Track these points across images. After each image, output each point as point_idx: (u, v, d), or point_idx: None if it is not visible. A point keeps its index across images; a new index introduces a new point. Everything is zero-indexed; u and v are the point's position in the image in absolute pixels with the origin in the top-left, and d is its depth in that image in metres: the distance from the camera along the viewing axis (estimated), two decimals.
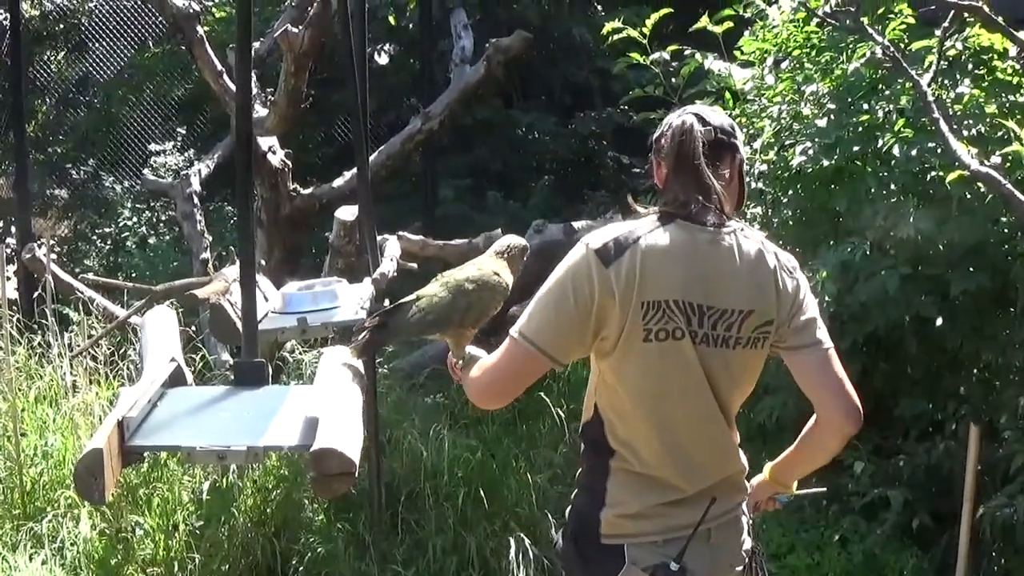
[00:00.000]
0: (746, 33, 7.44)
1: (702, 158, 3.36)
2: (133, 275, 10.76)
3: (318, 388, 3.43)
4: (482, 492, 6.74)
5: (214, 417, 3.38)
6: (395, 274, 5.71)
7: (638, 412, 3.38)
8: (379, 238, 6.28)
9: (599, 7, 13.95)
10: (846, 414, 3.44)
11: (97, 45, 13.08)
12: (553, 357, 3.35)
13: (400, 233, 7.33)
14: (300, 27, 8.46)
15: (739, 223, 3.43)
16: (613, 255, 3.26)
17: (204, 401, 3.54)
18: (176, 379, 3.70)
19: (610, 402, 3.44)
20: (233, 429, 3.25)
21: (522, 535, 6.49)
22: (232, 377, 3.71)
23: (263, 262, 8.13)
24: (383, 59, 13.00)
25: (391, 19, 13.18)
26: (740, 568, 3.61)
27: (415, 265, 6.46)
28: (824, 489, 4.76)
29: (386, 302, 5.22)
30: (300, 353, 7.65)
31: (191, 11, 8.87)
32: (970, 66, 6.58)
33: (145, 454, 3.46)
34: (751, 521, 3.71)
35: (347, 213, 7.28)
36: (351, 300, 4.62)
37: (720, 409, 3.40)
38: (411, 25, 13.28)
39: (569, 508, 3.63)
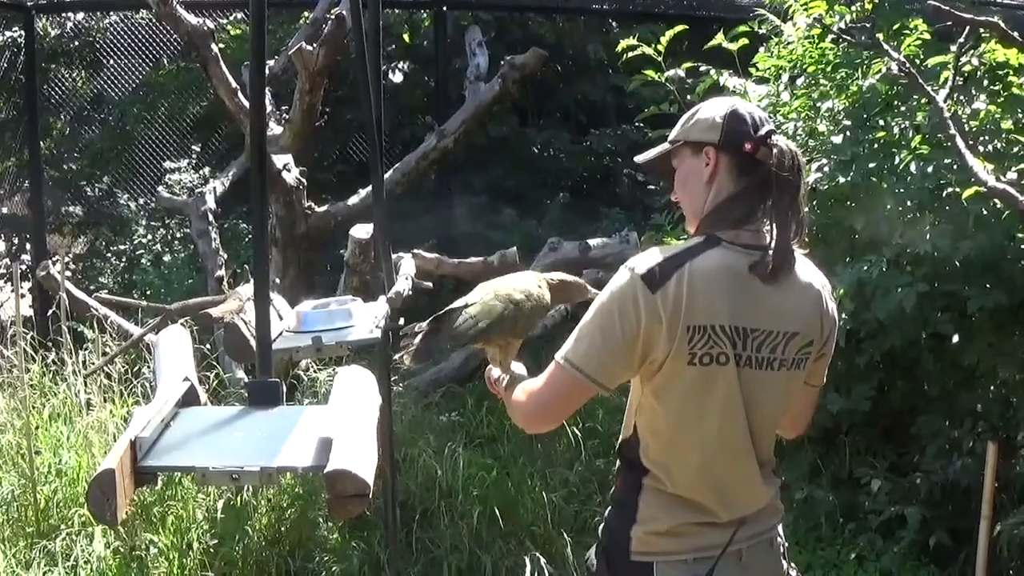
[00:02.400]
0: (761, 50, 7.43)
1: (799, 205, 3.39)
2: (148, 292, 10.76)
3: (332, 408, 3.40)
4: (497, 511, 6.74)
5: (227, 437, 3.36)
6: (410, 292, 5.70)
7: (676, 435, 3.38)
8: (394, 256, 6.27)
9: (614, 25, 13.95)
10: (804, 431, 3.87)
11: (112, 63, 13.08)
12: (600, 383, 3.34)
13: (415, 251, 7.32)
14: (315, 45, 8.47)
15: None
16: (659, 280, 3.24)
17: (218, 421, 3.52)
18: (189, 399, 3.68)
19: (648, 423, 3.43)
20: (247, 450, 3.22)
21: (538, 554, 6.49)
22: (246, 397, 3.69)
23: (278, 280, 8.14)
24: (398, 77, 12.99)
25: (406, 37, 13.17)
26: None
27: (430, 284, 6.45)
28: None
29: (400, 321, 5.22)
30: (315, 372, 7.64)
31: (206, 29, 8.88)
32: (986, 82, 6.56)
33: (158, 475, 3.43)
34: (786, 544, 3.69)
35: (362, 231, 7.28)
36: (366, 319, 4.60)
37: (753, 437, 3.39)
38: (426, 43, 13.26)
39: (602, 525, 3.63)
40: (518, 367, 3.78)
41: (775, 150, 3.33)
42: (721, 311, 3.24)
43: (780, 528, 3.61)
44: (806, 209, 3.45)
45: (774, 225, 3.33)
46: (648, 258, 3.31)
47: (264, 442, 3.26)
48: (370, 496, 2.88)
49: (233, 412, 3.59)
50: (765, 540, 3.51)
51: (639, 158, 3.76)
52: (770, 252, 3.30)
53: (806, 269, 3.39)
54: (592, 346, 3.33)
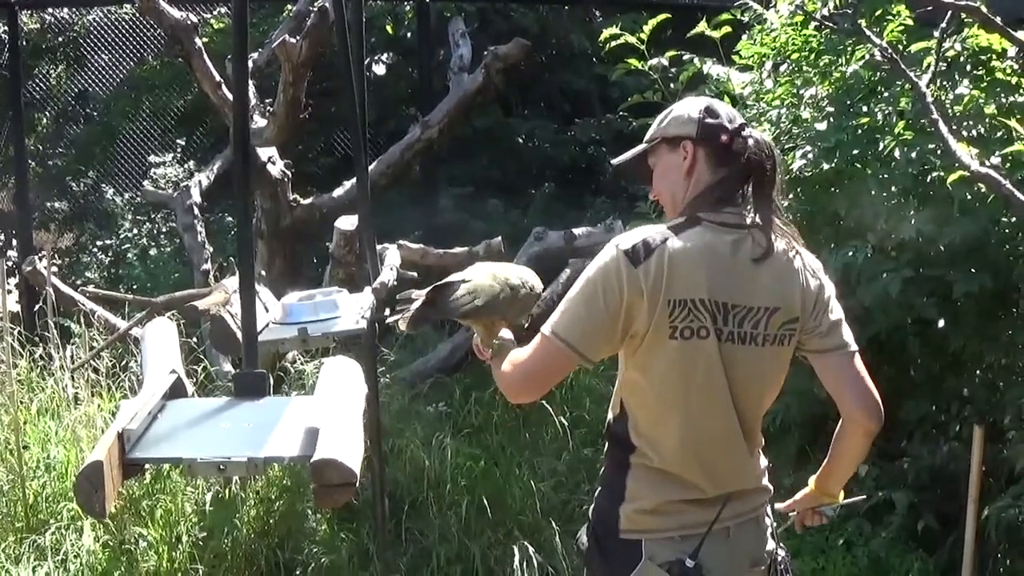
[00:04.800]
0: (744, 37, 7.43)
1: (770, 173, 3.56)
2: (134, 287, 10.75)
3: (319, 398, 3.42)
4: (486, 500, 6.75)
5: (214, 429, 3.37)
6: (395, 283, 5.70)
7: (661, 408, 3.48)
8: (379, 247, 6.27)
9: (597, 14, 13.94)
10: (869, 413, 3.62)
11: (96, 58, 13.07)
12: (583, 354, 3.49)
13: (400, 242, 7.31)
14: (298, 37, 8.45)
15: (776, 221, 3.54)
16: (642, 256, 3.39)
17: (205, 413, 3.53)
18: (177, 391, 3.69)
19: (635, 398, 3.55)
20: (234, 440, 3.24)
21: (526, 543, 6.50)
22: (233, 389, 3.70)
23: (263, 272, 8.13)
24: (381, 68, 12.98)
25: (389, 28, 13.16)
26: (763, 568, 3.67)
27: (415, 274, 6.45)
28: (865, 497, 4.82)
29: (386, 312, 5.22)
30: (301, 364, 7.64)
31: (189, 23, 8.86)
32: (969, 67, 6.57)
33: (146, 466, 3.44)
34: (775, 523, 3.78)
35: (347, 223, 7.28)
36: (352, 310, 4.61)
37: (738, 414, 3.48)
38: (409, 34, 13.25)
39: (592, 506, 3.71)
40: (506, 333, 3.86)
41: (750, 140, 3.52)
42: (700, 285, 3.36)
43: (769, 509, 3.70)
44: (780, 196, 3.63)
45: (756, 207, 3.51)
46: (633, 235, 3.44)
47: (251, 433, 3.28)
48: (356, 485, 2.90)
49: (220, 403, 3.61)
50: (752, 519, 3.59)
51: (616, 160, 3.92)
52: (759, 230, 3.46)
53: (785, 246, 3.50)
54: (576, 318, 3.47)
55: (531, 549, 6.50)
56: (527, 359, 3.60)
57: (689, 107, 3.62)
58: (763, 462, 3.69)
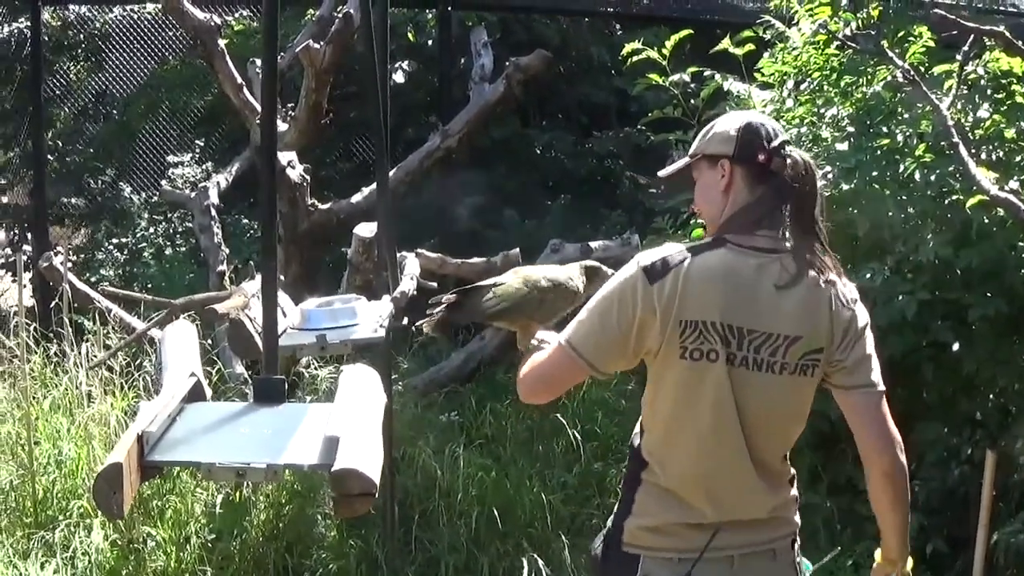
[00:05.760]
0: (766, 55, 7.44)
1: (809, 195, 3.49)
2: (149, 286, 10.74)
3: (338, 406, 3.42)
4: (496, 511, 6.75)
5: (233, 433, 3.37)
6: (415, 292, 5.71)
7: (671, 427, 3.47)
8: (399, 256, 6.28)
9: (618, 28, 13.95)
10: (882, 453, 3.52)
11: (116, 56, 13.08)
12: (594, 366, 3.51)
13: (418, 251, 7.32)
14: (322, 43, 8.47)
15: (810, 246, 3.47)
16: (659, 273, 3.37)
17: (223, 417, 3.53)
18: (196, 394, 3.69)
19: (650, 414, 3.55)
20: (252, 446, 3.24)
21: (535, 555, 6.51)
22: (250, 393, 3.70)
23: (281, 277, 8.12)
24: (401, 76, 12.98)
25: (411, 36, 13.17)
26: None
27: (435, 284, 6.46)
28: None
29: (404, 320, 5.24)
30: (316, 368, 7.65)
31: (211, 24, 8.88)
32: (990, 90, 6.58)
33: (163, 469, 3.45)
34: (799, 561, 3.68)
35: (366, 230, 7.28)
36: (370, 317, 4.61)
37: (749, 441, 3.42)
38: (430, 42, 13.26)
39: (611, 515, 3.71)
40: (545, 334, 3.88)
41: (789, 160, 3.46)
42: (712, 308, 3.34)
43: (793, 544, 3.62)
44: (822, 217, 3.54)
45: (792, 230, 3.44)
46: (655, 252, 3.44)
47: (270, 439, 3.28)
48: (376, 495, 2.90)
49: (239, 408, 3.61)
50: (766, 551, 3.53)
51: (662, 173, 3.86)
52: (790, 255, 3.40)
53: (816, 274, 3.42)
54: (591, 331, 3.48)
55: (540, 561, 6.50)
56: (543, 364, 3.63)
57: (730, 123, 3.58)
58: (789, 494, 3.61)
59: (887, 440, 3.52)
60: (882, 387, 3.53)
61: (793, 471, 3.67)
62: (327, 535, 6.76)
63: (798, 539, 3.65)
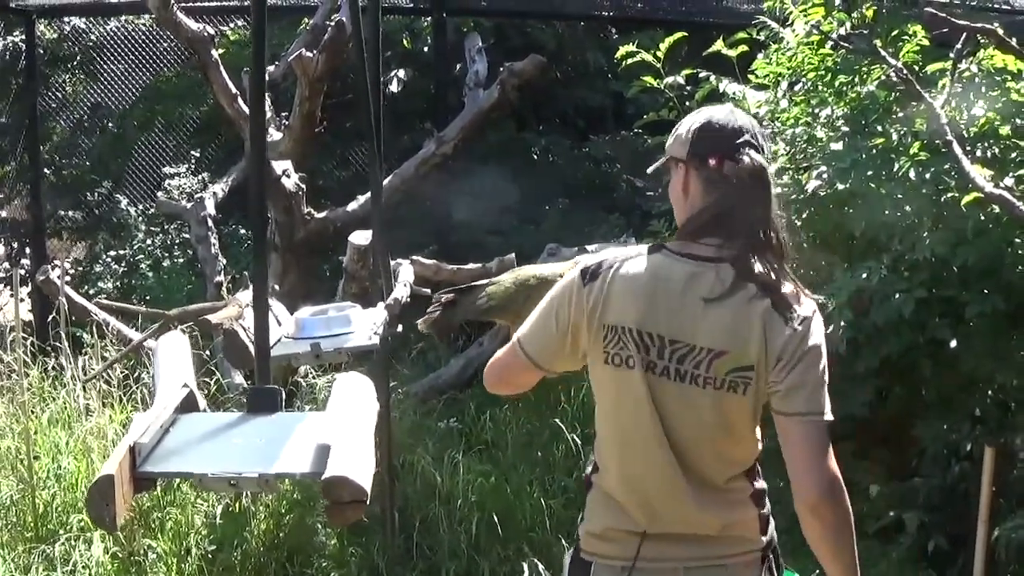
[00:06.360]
0: (760, 56, 7.44)
1: (755, 200, 3.35)
2: (147, 298, 10.77)
3: (331, 414, 3.41)
4: (496, 517, 6.75)
5: (226, 443, 3.37)
6: (408, 299, 5.70)
7: (604, 432, 3.49)
8: (393, 263, 6.28)
9: (613, 31, 13.95)
10: (819, 494, 3.22)
11: (112, 68, 13.11)
12: (539, 365, 3.55)
13: (413, 258, 7.31)
14: (315, 51, 8.47)
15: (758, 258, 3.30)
16: (592, 276, 3.36)
17: (216, 427, 3.52)
18: (188, 405, 3.68)
19: (597, 416, 3.54)
20: (245, 456, 3.24)
21: (536, 560, 6.50)
22: (245, 403, 3.70)
23: (276, 286, 8.14)
24: (397, 84, 12.98)
25: (406, 43, 13.18)
26: None
27: (429, 291, 6.45)
28: None
29: (399, 328, 5.24)
30: (313, 378, 7.65)
31: (206, 35, 8.89)
32: (984, 88, 6.57)
33: (157, 480, 3.44)
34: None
35: (361, 238, 7.28)
36: (365, 325, 4.60)
37: (677, 451, 3.33)
38: (426, 49, 13.27)
39: None
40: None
41: (740, 164, 3.33)
42: (630, 314, 3.29)
43: (764, 561, 3.47)
44: (781, 223, 3.41)
45: (738, 240, 3.30)
46: (595, 256, 3.43)
47: (263, 448, 3.27)
48: (367, 502, 2.89)
49: (232, 418, 3.60)
50: (716, 567, 3.40)
51: (649, 169, 3.76)
52: (728, 266, 3.27)
53: (756, 288, 3.27)
54: (535, 330, 3.53)
55: (540, 566, 6.49)
56: (500, 358, 3.67)
57: (689, 122, 3.47)
58: (749, 513, 3.43)
59: (815, 475, 3.23)
60: (824, 416, 3.26)
61: (758, 488, 3.47)
62: (328, 544, 6.76)
63: (771, 557, 3.49)
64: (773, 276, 3.28)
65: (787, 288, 3.29)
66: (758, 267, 3.28)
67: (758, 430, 3.46)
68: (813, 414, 3.24)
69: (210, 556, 6.61)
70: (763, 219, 3.34)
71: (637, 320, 3.28)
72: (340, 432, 3.17)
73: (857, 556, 3.36)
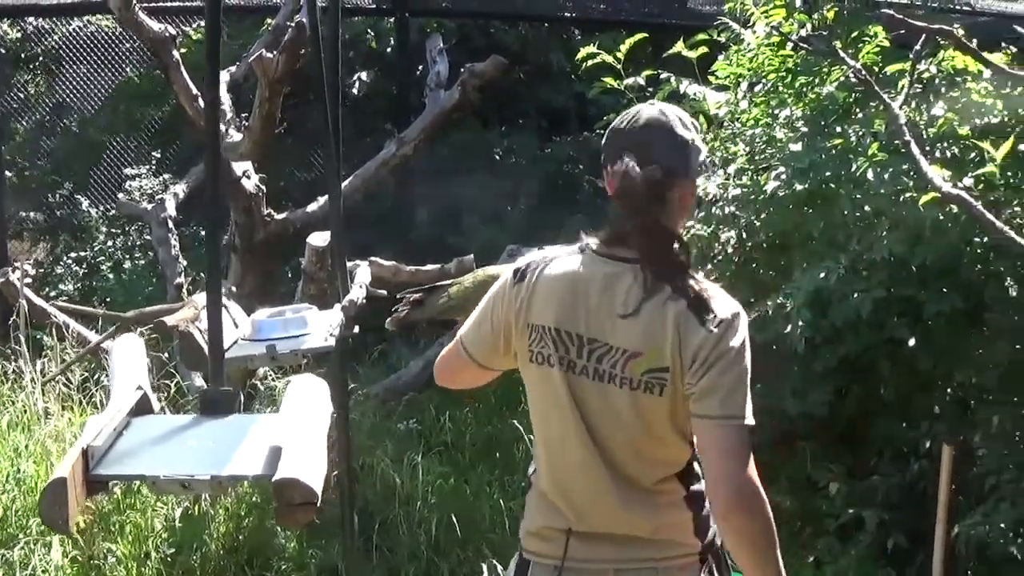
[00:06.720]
0: (720, 57, 7.45)
1: (641, 208, 3.28)
2: (108, 300, 10.74)
3: (283, 416, 3.41)
4: (455, 518, 6.74)
5: (180, 446, 3.37)
6: (364, 301, 5.68)
7: (536, 431, 3.51)
8: (351, 264, 6.27)
9: (576, 33, 13.97)
10: (730, 503, 3.15)
11: (75, 69, 13.05)
12: (478, 362, 3.62)
13: (372, 259, 7.30)
14: (275, 52, 8.44)
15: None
16: (521, 276, 3.40)
17: (170, 430, 3.53)
18: (142, 407, 3.68)
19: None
20: (198, 458, 3.24)
21: (495, 561, 6.48)
22: (199, 405, 3.70)
23: (234, 288, 8.11)
24: (360, 85, 12.96)
25: (373, 44, 13.17)
26: None
27: (385, 292, 6.44)
28: None
29: (355, 329, 5.23)
30: (273, 380, 7.63)
31: (167, 35, 8.86)
32: (944, 88, 6.60)
33: (111, 484, 3.43)
34: None
35: (319, 239, 7.27)
36: (321, 327, 4.60)
37: (601, 450, 3.32)
38: (388, 50, 13.27)
39: None
40: None
41: (620, 170, 3.30)
42: (549, 314, 3.31)
43: (703, 563, 3.42)
44: (678, 229, 3.39)
45: (644, 243, 3.28)
46: (530, 256, 3.46)
47: (215, 450, 3.28)
48: (318, 504, 2.89)
49: (186, 421, 3.61)
50: (648, 569, 3.37)
51: None
52: (645, 267, 3.25)
53: (671, 290, 3.24)
54: (473, 327, 3.61)
55: (499, 567, 6.48)
56: (445, 354, 3.74)
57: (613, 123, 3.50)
58: (682, 516, 3.39)
59: (729, 482, 3.15)
60: (743, 421, 3.18)
61: (694, 490, 3.40)
62: (287, 546, 6.74)
63: (712, 560, 3.43)
64: (689, 279, 3.26)
65: (705, 290, 3.26)
66: (670, 269, 3.27)
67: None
68: (728, 418, 3.18)
69: (169, 559, 6.59)
70: (661, 221, 3.31)
71: (557, 319, 3.30)
72: (292, 434, 3.17)
73: (782, 568, 3.23)
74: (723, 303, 3.26)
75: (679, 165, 3.36)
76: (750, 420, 3.19)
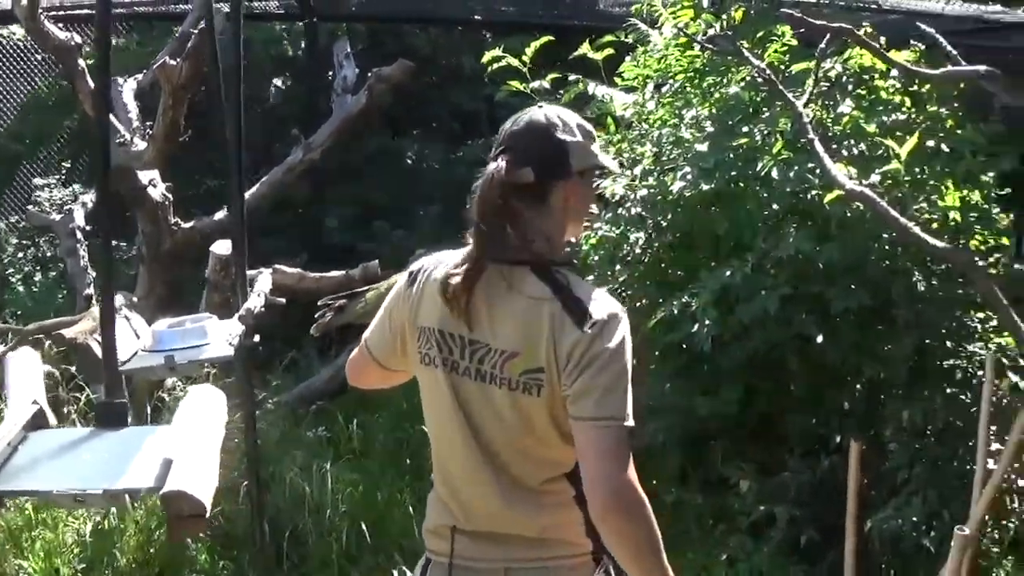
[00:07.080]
0: (627, 59, 7.46)
1: (495, 215, 3.27)
2: (19, 313, 10.63)
3: (177, 428, 3.38)
4: (366, 526, 6.73)
5: (75, 460, 3.34)
6: (263, 309, 5.63)
7: (428, 430, 3.49)
8: (251, 272, 6.22)
9: (488, 35, 13.97)
10: (607, 505, 3.10)
11: None
12: (379, 362, 3.61)
13: (276, 267, 7.27)
14: (179, 59, 8.38)
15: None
16: (413, 279, 3.41)
17: (66, 444, 3.49)
18: (38, 422, 3.64)
19: None
20: (92, 472, 3.21)
21: (406, 568, 6.46)
22: (95, 418, 3.66)
23: (135, 299, 8.03)
24: (275, 91, 12.92)
25: (289, 50, 13.12)
26: None
27: (283, 300, 6.40)
28: None
29: (256, 338, 5.18)
30: (181, 391, 7.57)
31: (72, 43, 8.79)
32: (851, 86, 6.64)
33: (4, 500, 3.39)
34: None
35: (222, 247, 7.24)
36: (221, 336, 4.57)
37: (484, 451, 3.30)
38: (300, 54, 13.23)
39: None
40: None
41: (492, 171, 3.32)
42: (434, 315, 3.31)
43: (598, 563, 3.39)
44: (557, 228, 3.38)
45: (516, 243, 3.28)
46: (425, 258, 3.46)
47: (110, 463, 3.25)
48: (207, 516, 2.86)
49: (82, 434, 3.59)
50: (537, 568, 3.36)
51: None
52: (521, 268, 3.25)
53: (542, 290, 3.23)
54: (376, 329, 3.60)
55: (410, 573, 6.47)
56: (354, 355, 3.72)
57: None
58: (568, 516, 3.35)
59: (604, 484, 3.11)
60: (621, 422, 3.13)
61: (579, 490, 3.26)
62: (198, 558, 6.69)
63: (605, 561, 3.37)
64: (565, 280, 3.25)
65: (582, 291, 3.24)
66: (550, 270, 3.27)
67: None
68: (604, 419, 3.13)
69: (81, 575, 6.53)
70: (530, 224, 3.31)
71: (440, 321, 3.30)
72: (184, 446, 3.14)
73: (669, 571, 3.16)
74: (601, 304, 3.22)
75: (556, 166, 3.35)
76: (630, 421, 3.15)
